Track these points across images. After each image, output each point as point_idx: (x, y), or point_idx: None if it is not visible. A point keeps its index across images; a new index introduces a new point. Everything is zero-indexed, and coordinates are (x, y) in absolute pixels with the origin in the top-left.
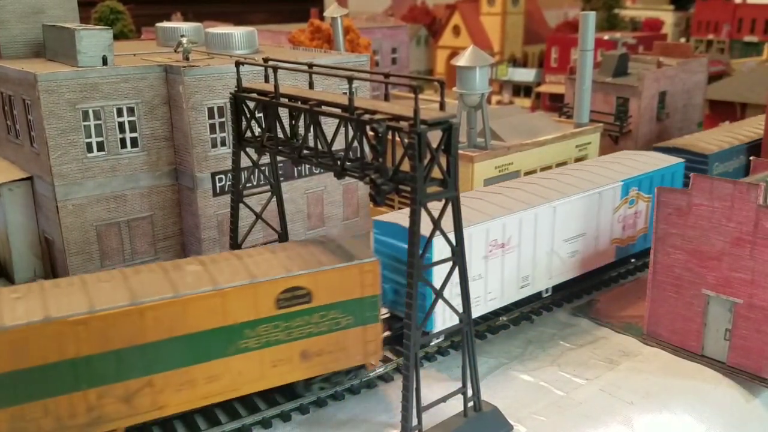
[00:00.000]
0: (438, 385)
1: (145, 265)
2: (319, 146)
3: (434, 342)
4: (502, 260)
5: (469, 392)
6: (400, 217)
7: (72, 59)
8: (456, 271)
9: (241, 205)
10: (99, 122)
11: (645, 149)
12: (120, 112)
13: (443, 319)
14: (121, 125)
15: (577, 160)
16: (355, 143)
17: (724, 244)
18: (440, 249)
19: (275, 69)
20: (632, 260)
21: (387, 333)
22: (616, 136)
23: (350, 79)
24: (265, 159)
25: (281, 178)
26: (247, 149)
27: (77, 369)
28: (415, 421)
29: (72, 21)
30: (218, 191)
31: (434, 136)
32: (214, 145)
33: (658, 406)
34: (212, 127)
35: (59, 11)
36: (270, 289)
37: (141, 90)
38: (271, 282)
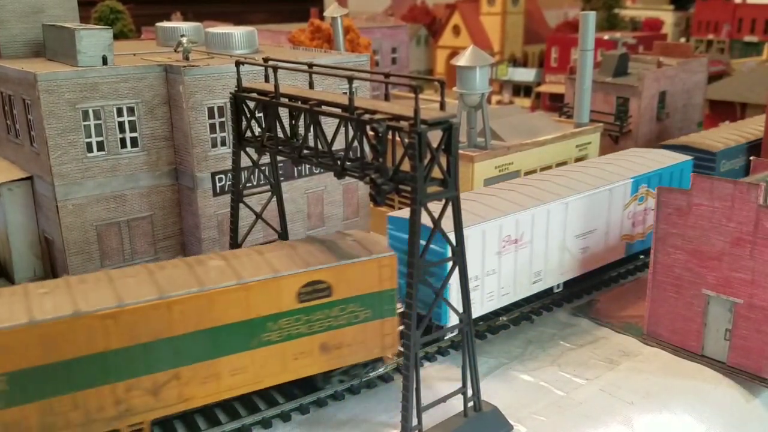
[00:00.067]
0: (438, 385)
1: (168, 261)
2: (319, 146)
3: (448, 336)
4: (515, 256)
5: (469, 392)
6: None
7: (72, 59)
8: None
9: (241, 205)
10: (99, 122)
11: (652, 147)
12: (120, 112)
13: None
14: (121, 125)
15: (577, 160)
16: (356, 143)
17: (724, 244)
18: None
19: (275, 69)
20: (641, 256)
21: (401, 327)
22: (616, 136)
23: (350, 79)
24: (265, 159)
25: (281, 178)
26: (247, 149)
27: (106, 362)
28: (415, 421)
29: (72, 21)
30: (218, 191)
31: (434, 136)
32: (214, 145)
33: (658, 406)
34: (212, 126)
35: (59, 11)
36: (292, 283)
37: (141, 90)
38: (293, 276)
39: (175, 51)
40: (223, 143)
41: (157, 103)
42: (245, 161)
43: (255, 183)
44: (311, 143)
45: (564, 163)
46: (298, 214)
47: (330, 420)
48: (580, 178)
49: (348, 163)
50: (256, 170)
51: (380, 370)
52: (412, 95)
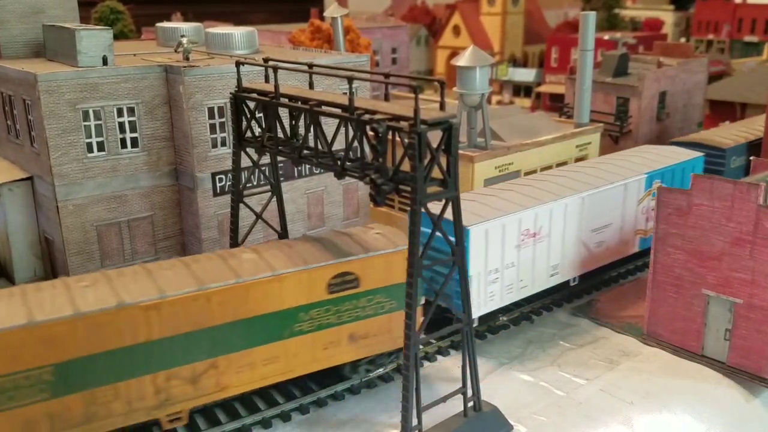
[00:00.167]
0: (438, 385)
1: (201, 254)
2: (320, 146)
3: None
4: (533, 249)
5: (469, 392)
6: (438, 206)
7: (72, 59)
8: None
9: (242, 205)
10: (99, 122)
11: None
12: (120, 112)
13: (478, 304)
14: (121, 125)
15: (578, 160)
16: (356, 143)
17: (724, 244)
18: (478, 236)
19: (275, 69)
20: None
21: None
22: (617, 136)
23: (350, 79)
24: (266, 159)
25: (281, 178)
26: (248, 149)
27: (147, 353)
28: (415, 421)
29: (72, 21)
30: (218, 191)
31: (434, 136)
32: (215, 145)
33: (658, 406)
34: (212, 127)
35: (59, 11)
36: (322, 274)
37: (141, 90)
38: (324, 267)
39: (176, 51)
40: (224, 143)
41: (158, 103)
42: (245, 161)
43: (255, 183)
44: (311, 143)
45: (564, 164)
46: (298, 215)
47: (330, 420)
48: (596, 174)
49: (348, 164)
50: (256, 170)
51: (380, 370)
52: (412, 95)
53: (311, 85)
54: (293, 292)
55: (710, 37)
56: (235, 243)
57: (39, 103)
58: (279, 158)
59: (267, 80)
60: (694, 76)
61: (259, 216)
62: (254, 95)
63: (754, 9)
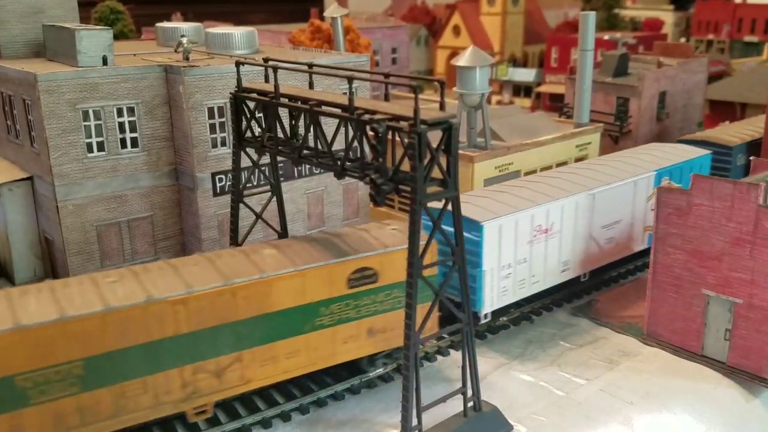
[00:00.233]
0: (438, 385)
1: (223, 250)
2: (319, 146)
3: (483, 321)
4: (545, 245)
5: (469, 392)
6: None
7: (72, 59)
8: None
9: (241, 205)
10: (99, 122)
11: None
12: (120, 112)
13: (491, 299)
14: (121, 125)
15: (578, 160)
16: (355, 143)
17: (724, 244)
18: (492, 232)
19: (275, 69)
20: None
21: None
22: (616, 136)
23: (350, 79)
24: (265, 159)
25: (281, 178)
26: (248, 149)
27: (175, 347)
28: (415, 421)
29: (72, 21)
30: (218, 191)
31: (434, 136)
32: (215, 145)
33: (658, 406)
34: (212, 127)
35: (59, 11)
36: (343, 269)
37: (141, 90)
38: (344, 263)
39: (176, 51)
40: (223, 143)
41: (158, 103)
42: (245, 161)
43: (255, 183)
44: (311, 143)
45: (564, 164)
46: (298, 215)
47: (330, 420)
48: (606, 171)
49: (348, 164)
50: (256, 170)
51: (380, 369)
52: (412, 95)
53: (311, 85)
54: (315, 286)
55: (710, 37)
56: (235, 243)
57: (39, 103)
58: (279, 158)
59: (267, 80)
60: (694, 76)
61: (259, 216)
62: (254, 95)
63: (754, 9)
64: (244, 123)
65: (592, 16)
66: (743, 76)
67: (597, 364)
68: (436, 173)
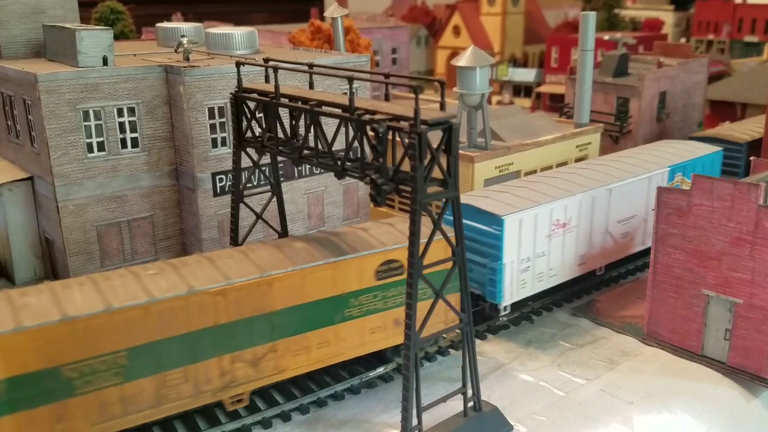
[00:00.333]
0: (438, 385)
1: (255, 243)
2: (320, 146)
3: (503, 314)
4: (563, 239)
5: (469, 392)
6: (472, 198)
7: (72, 59)
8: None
9: (242, 205)
10: (99, 122)
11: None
12: (120, 113)
13: (511, 292)
14: (121, 125)
15: (578, 160)
16: (356, 143)
17: (724, 244)
18: (512, 226)
19: (275, 69)
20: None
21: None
22: (617, 136)
23: (350, 80)
24: (266, 159)
25: (281, 178)
26: (248, 149)
27: (214, 337)
28: (415, 421)
29: (72, 21)
30: (219, 191)
31: (434, 136)
32: (215, 146)
33: (658, 406)
34: (212, 127)
35: (59, 11)
36: (371, 261)
37: (141, 90)
38: (373, 255)
39: (176, 51)
40: (224, 143)
41: (158, 103)
42: (245, 161)
43: (255, 183)
44: (311, 143)
45: (564, 164)
46: (299, 215)
47: (330, 420)
48: (621, 167)
49: (348, 164)
50: (257, 170)
51: (380, 369)
52: (413, 95)
53: (311, 86)
54: (345, 278)
55: (710, 37)
56: (235, 243)
57: (39, 103)
58: (279, 158)
59: (267, 80)
60: (694, 76)
61: (259, 216)
62: (254, 95)
63: (754, 9)
64: (245, 123)
65: (592, 17)
66: (743, 77)
67: (597, 364)
68: (436, 173)
